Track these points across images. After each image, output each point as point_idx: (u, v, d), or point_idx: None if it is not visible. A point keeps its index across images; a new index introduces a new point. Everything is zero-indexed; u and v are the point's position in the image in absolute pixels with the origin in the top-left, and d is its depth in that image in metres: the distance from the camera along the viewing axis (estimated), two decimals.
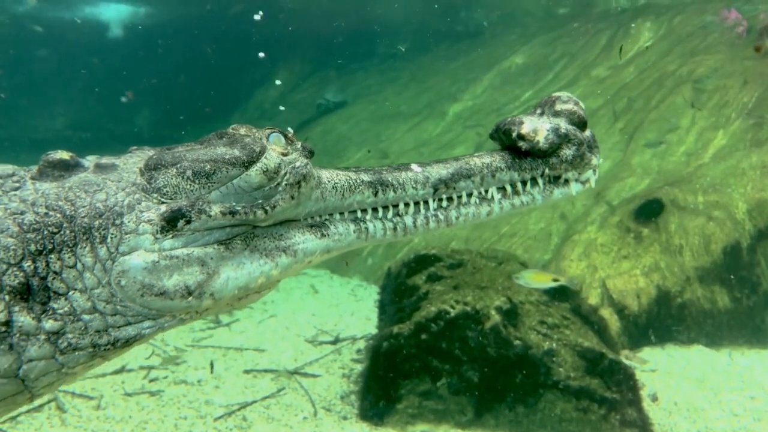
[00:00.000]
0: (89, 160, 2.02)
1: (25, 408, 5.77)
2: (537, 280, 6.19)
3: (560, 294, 6.60)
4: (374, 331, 7.65)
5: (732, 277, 8.31)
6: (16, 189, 1.86)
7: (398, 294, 6.71)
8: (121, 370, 6.78)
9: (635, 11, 18.31)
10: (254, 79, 25.52)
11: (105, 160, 2.02)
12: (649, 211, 9.06)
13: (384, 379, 5.85)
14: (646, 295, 8.15)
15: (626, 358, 7.35)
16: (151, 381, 6.64)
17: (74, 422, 5.62)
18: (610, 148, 12.14)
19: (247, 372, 7.02)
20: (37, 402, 5.88)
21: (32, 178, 1.91)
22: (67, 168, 1.94)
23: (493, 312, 5.75)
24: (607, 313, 7.86)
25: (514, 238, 10.54)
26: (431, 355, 5.74)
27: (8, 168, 1.95)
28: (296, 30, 24.21)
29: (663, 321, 8.16)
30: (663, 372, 7.27)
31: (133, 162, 2.02)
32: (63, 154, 1.96)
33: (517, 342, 5.68)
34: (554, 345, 5.73)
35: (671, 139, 11.52)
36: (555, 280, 6.14)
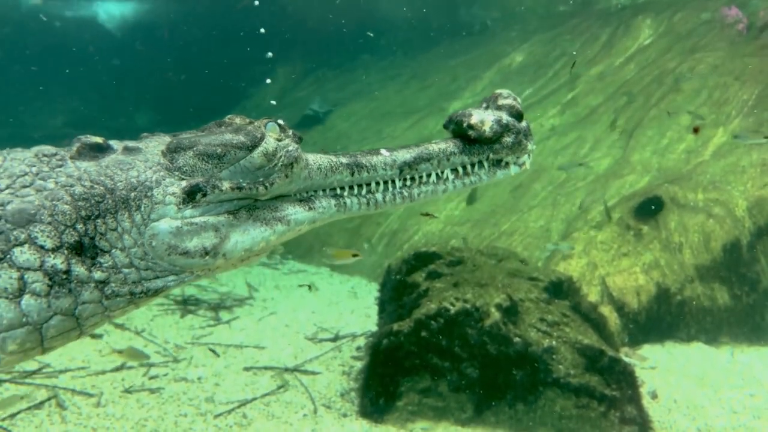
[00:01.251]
0: (116, 144, 2.38)
1: (25, 405, 5.78)
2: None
3: (560, 291, 6.61)
4: (374, 328, 7.65)
5: (732, 275, 8.32)
6: (60, 166, 2.22)
7: (398, 291, 6.71)
8: (121, 368, 6.79)
9: (635, 8, 18.27)
10: (254, 76, 25.50)
11: (131, 144, 2.38)
12: (649, 208, 9.06)
13: (384, 376, 5.85)
14: (645, 292, 8.15)
15: (626, 355, 7.36)
16: (151, 378, 6.64)
17: (74, 419, 5.62)
18: (610, 146, 12.14)
19: (247, 369, 7.03)
20: (38, 399, 5.90)
21: (71, 158, 2.26)
22: (101, 150, 2.31)
23: (493, 309, 5.76)
24: (607, 311, 7.86)
25: (514, 236, 10.54)
26: (431, 353, 5.75)
27: (50, 148, 2.29)
28: (296, 28, 24.20)
29: (663, 318, 8.16)
30: (663, 369, 7.28)
31: (153, 145, 2.39)
32: (97, 138, 2.34)
33: (517, 339, 5.68)
34: (554, 342, 5.74)
35: (672, 136, 11.52)
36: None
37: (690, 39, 14.89)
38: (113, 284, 2.20)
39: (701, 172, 9.64)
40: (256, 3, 21.30)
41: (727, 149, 10.22)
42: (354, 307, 9.77)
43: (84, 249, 2.13)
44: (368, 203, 2.61)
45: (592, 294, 8.08)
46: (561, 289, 6.61)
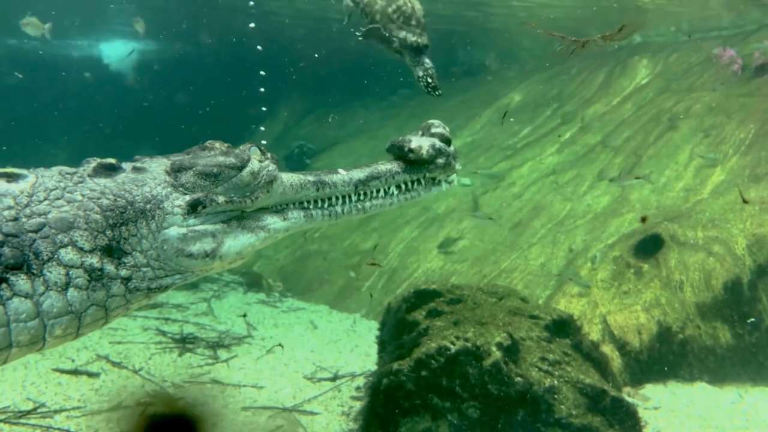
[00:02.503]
0: (125, 164, 2.77)
1: None
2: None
3: (561, 330, 6.56)
4: (374, 367, 7.57)
5: (733, 313, 8.27)
6: (81, 182, 2.61)
7: (398, 330, 6.66)
8: (117, 407, 6.70)
9: (632, 49, 18.57)
10: (258, 113, 25.78)
11: (138, 164, 2.78)
12: (649, 246, 9.06)
13: (384, 416, 5.77)
14: (647, 331, 8.10)
15: (628, 395, 7.28)
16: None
17: None
18: (609, 184, 12.20)
19: (245, 409, 6.93)
20: None
21: (89, 175, 2.65)
22: (113, 169, 2.71)
23: (493, 348, 5.70)
24: (609, 350, 7.80)
25: (515, 273, 10.52)
26: (431, 392, 5.67)
27: (69, 168, 2.68)
28: (297, 66, 24.52)
29: (665, 357, 8.09)
30: (666, 410, 7.18)
31: (156, 165, 2.80)
32: (111, 160, 2.73)
33: (518, 379, 5.62)
34: (556, 382, 5.67)
35: (670, 174, 11.59)
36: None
37: (686, 79, 15.10)
38: (134, 280, 2.62)
39: (700, 210, 9.67)
40: (252, 26, 21.78)
41: (725, 187, 10.27)
42: (353, 346, 9.68)
43: (112, 251, 2.56)
44: (330, 215, 3.08)
45: (593, 332, 8.02)
46: (562, 328, 6.56)
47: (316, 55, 23.70)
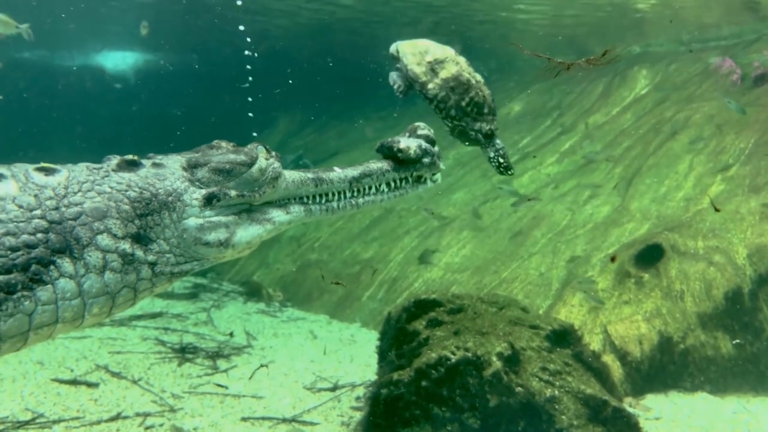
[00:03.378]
0: (144, 161, 2.97)
1: None
2: None
3: (562, 340, 6.54)
4: (374, 377, 7.55)
5: (735, 323, 8.25)
6: (107, 176, 2.81)
7: (398, 339, 6.64)
8: (116, 417, 6.67)
9: (631, 60, 18.63)
10: (259, 122, 25.86)
11: (156, 160, 3.00)
12: (650, 256, 9.05)
13: (384, 427, 5.74)
14: (648, 341, 8.07)
15: (630, 405, 7.25)
16: (147, 428, 6.52)
17: None
18: (609, 194, 12.20)
19: (244, 419, 6.90)
20: None
21: (113, 170, 2.85)
22: (136, 165, 2.91)
23: (494, 358, 5.68)
24: (610, 360, 7.77)
25: (515, 283, 10.50)
26: (432, 403, 5.65)
27: (93, 165, 2.87)
28: (297, 77, 24.59)
29: (666, 367, 8.06)
30: (667, 420, 7.15)
31: (172, 162, 3.01)
32: (132, 156, 2.95)
33: (519, 389, 5.60)
34: (557, 392, 5.65)
35: (670, 184, 11.60)
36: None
37: (685, 89, 15.14)
38: (159, 265, 2.85)
39: (700, 220, 9.66)
40: (241, 28, 21.89)
41: (725, 197, 10.27)
42: (353, 356, 9.65)
43: (140, 238, 2.79)
44: (327, 210, 3.30)
45: (594, 342, 8.00)
46: (563, 338, 6.54)
47: (317, 66, 23.80)
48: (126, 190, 2.80)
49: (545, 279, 10.32)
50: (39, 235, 2.55)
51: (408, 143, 3.45)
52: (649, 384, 7.94)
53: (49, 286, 2.55)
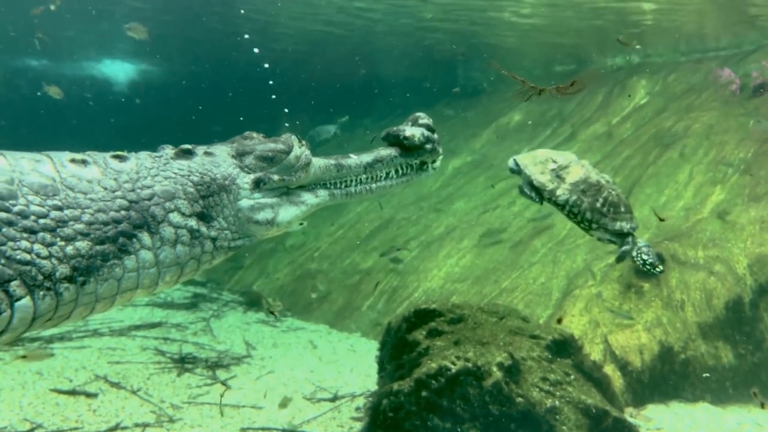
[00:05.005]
0: (197, 149, 3.31)
1: None
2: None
3: (562, 350, 6.52)
4: (374, 387, 7.52)
5: (735, 333, 8.23)
6: (167, 163, 3.16)
7: (398, 350, 6.62)
8: (115, 428, 6.64)
9: (630, 69, 18.69)
10: (259, 130, 25.94)
11: (209, 149, 3.34)
12: None
13: None
14: (648, 351, 8.05)
15: (630, 416, 7.21)
16: None
17: None
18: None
19: (244, 430, 6.87)
20: None
21: (172, 158, 3.20)
22: (190, 153, 3.26)
23: (494, 368, 5.67)
24: (610, 370, 7.74)
25: (515, 293, 10.48)
26: (432, 413, 5.63)
27: (154, 153, 3.22)
28: (297, 86, 24.68)
29: (667, 378, 8.03)
30: (669, 431, 7.12)
31: (220, 151, 3.36)
32: (187, 146, 3.28)
33: (519, 399, 5.58)
34: (557, 402, 5.63)
35: (670, 194, 11.60)
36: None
37: (685, 99, 15.18)
38: (219, 240, 3.22)
39: (700, 230, 9.66)
40: (246, 36, 21.93)
41: (725, 207, 10.27)
42: (353, 366, 9.62)
43: (204, 216, 3.16)
44: (346, 194, 3.65)
45: (594, 352, 7.97)
46: (563, 348, 6.52)
47: (320, 74, 23.89)
48: (188, 175, 3.16)
49: (545, 289, 10.30)
50: (123, 212, 2.92)
51: (413, 131, 3.74)
52: (650, 394, 7.91)
53: (132, 256, 2.94)
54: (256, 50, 23.83)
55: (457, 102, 22.61)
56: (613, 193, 5.66)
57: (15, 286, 2.59)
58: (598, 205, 5.53)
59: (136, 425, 6.77)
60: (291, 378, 8.86)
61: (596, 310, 8.68)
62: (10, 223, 2.64)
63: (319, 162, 3.57)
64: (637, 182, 12.41)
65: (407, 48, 23.20)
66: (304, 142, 3.52)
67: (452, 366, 5.66)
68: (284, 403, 6.42)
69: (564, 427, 5.50)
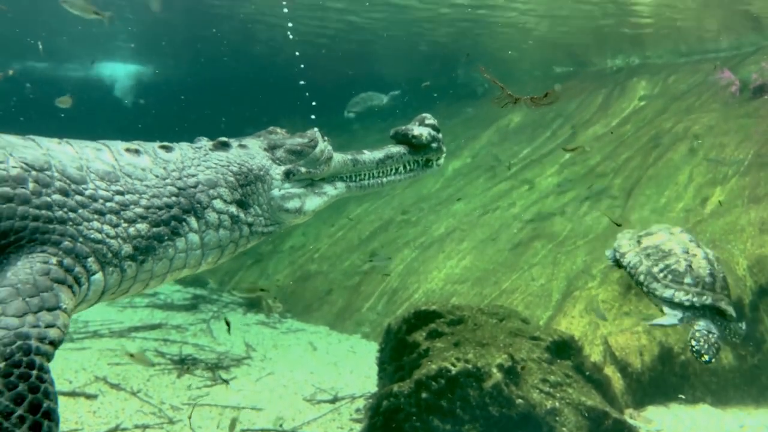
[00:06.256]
0: (232, 142, 3.55)
1: None
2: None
3: (562, 351, 6.52)
4: (374, 389, 7.51)
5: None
6: (207, 154, 3.41)
7: (398, 351, 6.62)
8: (115, 429, 6.63)
9: (630, 71, 18.70)
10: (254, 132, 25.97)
11: (243, 142, 3.58)
12: None
13: None
14: (648, 352, 8.04)
15: (630, 417, 7.21)
16: None
17: None
18: (609, 205, 12.20)
19: (244, 431, 6.86)
20: None
21: (210, 149, 3.44)
22: (227, 145, 3.50)
23: (494, 370, 5.67)
24: (610, 371, 7.74)
25: (515, 294, 10.48)
26: (432, 415, 5.62)
27: (193, 144, 3.47)
28: (296, 86, 24.66)
29: (667, 379, 8.03)
30: None
31: (253, 143, 3.61)
32: (224, 138, 3.52)
33: (519, 401, 5.57)
34: (557, 404, 5.63)
35: (670, 195, 11.60)
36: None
37: (685, 100, 15.18)
38: (255, 226, 3.48)
39: (700, 231, 9.66)
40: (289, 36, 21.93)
41: (725, 208, 10.27)
42: (353, 367, 9.62)
43: (242, 204, 3.41)
44: (360, 187, 3.90)
45: (594, 354, 7.97)
46: (563, 349, 6.52)
47: (318, 76, 23.86)
48: (228, 165, 3.40)
49: (545, 290, 10.29)
50: (173, 198, 3.18)
51: (420, 130, 3.98)
52: (650, 396, 7.90)
53: (182, 238, 3.20)
54: (290, 35, 23.76)
55: (458, 103, 22.60)
56: (684, 262, 5.46)
57: (91, 262, 2.87)
58: (656, 269, 5.42)
59: (136, 427, 6.76)
60: (291, 379, 8.86)
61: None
62: (83, 206, 2.90)
63: (338, 157, 3.80)
64: (637, 183, 12.41)
65: (409, 49, 23.24)
66: (326, 138, 3.75)
67: (452, 367, 5.66)
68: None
69: (564, 429, 5.49)
